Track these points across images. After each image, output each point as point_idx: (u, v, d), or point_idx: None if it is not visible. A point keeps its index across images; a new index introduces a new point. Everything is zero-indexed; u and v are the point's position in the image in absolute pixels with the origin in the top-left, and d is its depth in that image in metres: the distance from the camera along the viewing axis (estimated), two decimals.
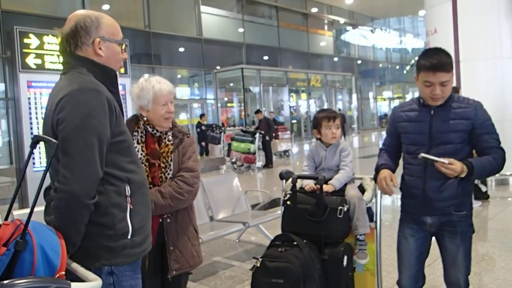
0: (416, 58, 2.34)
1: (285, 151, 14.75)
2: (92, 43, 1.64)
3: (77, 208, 1.47)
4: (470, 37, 7.17)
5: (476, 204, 5.57)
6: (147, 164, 2.28)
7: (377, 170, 2.38)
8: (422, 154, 2.13)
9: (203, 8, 19.58)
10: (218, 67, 19.62)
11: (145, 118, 2.32)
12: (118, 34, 1.72)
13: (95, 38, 1.64)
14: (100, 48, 1.65)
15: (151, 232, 1.76)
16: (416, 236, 2.34)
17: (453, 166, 2.07)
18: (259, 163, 12.02)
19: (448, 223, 2.26)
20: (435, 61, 2.11)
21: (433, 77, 2.11)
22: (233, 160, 12.03)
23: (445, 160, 2.08)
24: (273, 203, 5.85)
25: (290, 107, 22.45)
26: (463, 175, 2.10)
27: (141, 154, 2.27)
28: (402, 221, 2.42)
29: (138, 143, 2.29)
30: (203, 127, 14.69)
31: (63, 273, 1.37)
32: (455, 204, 2.22)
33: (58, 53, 5.36)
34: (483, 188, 6.15)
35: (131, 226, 1.60)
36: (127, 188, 1.61)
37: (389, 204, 6.07)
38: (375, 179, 2.61)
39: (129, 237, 1.60)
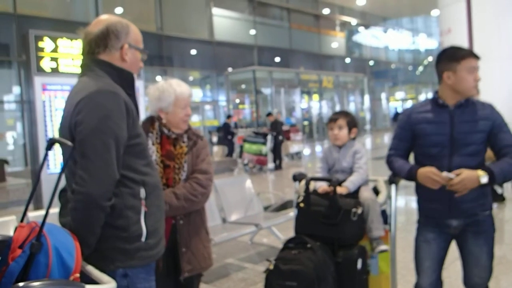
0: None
1: (297, 153, 14.70)
2: (120, 48, 1.67)
3: (94, 210, 1.48)
4: (485, 36, 7.08)
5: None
6: (161, 165, 2.29)
7: (411, 172, 2.24)
8: (445, 174, 2.10)
9: (215, 10, 19.65)
10: (230, 69, 19.66)
11: (162, 120, 2.33)
12: (141, 43, 1.76)
13: (123, 43, 1.67)
14: (126, 54, 1.68)
15: (164, 234, 1.77)
16: (438, 240, 2.31)
17: (460, 181, 2.05)
18: (271, 164, 12.00)
19: (472, 224, 2.23)
20: (469, 49, 2.19)
21: (475, 62, 2.17)
22: (245, 162, 12.04)
23: (452, 175, 2.07)
24: (285, 205, 5.84)
25: (301, 108, 22.38)
26: (483, 181, 2.07)
27: (156, 155, 2.28)
28: (422, 226, 2.37)
29: (153, 144, 2.30)
30: (230, 129, 14.63)
31: (78, 275, 1.38)
32: (481, 204, 2.21)
33: (73, 56, 5.46)
34: (499, 190, 6.05)
35: (146, 229, 1.61)
36: (142, 190, 1.62)
37: (403, 207, 6.00)
38: (390, 181, 2.59)
39: (143, 239, 1.61)
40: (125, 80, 1.68)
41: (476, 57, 2.18)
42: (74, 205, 1.51)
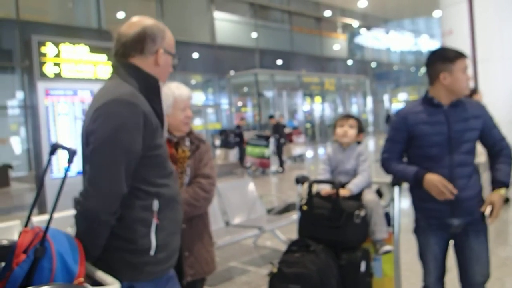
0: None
1: (299, 156, 14.69)
2: (155, 52, 1.62)
3: (94, 223, 1.45)
4: (487, 37, 7.07)
5: None
6: None
7: (417, 176, 2.24)
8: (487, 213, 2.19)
9: (216, 14, 19.70)
10: (232, 72, 19.69)
11: None
12: (174, 49, 1.70)
13: (159, 48, 1.62)
14: (160, 59, 1.63)
15: (178, 248, 1.70)
16: (440, 242, 2.32)
17: (495, 208, 2.19)
18: (274, 167, 12.00)
19: (472, 222, 2.25)
20: (458, 50, 2.25)
21: (466, 62, 2.24)
22: (248, 165, 12.03)
23: (487, 212, 2.18)
24: (288, 208, 5.83)
25: (304, 111, 22.38)
26: (506, 195, 2.22)
27: None
28: (424, 229, 2.36)
29: None
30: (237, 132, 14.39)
31: (82, 279, 1.38)
32: (479, 201, 2.25)
33: (75, 61, 5.48)
34: None
35: (155, 242, 1.54)
36: (156, 203, 1.55)
37: (406, 209, 5.98)
38: (394, 184, 2.59)
39: (152, 253, 1.54)
40: (151, 87, 1.62)
41: (466, 57, 2.26)
42: (76, 216, 1.50)
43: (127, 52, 1.60)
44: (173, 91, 2.30)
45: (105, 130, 1.45)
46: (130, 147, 1.47)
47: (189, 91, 2.37)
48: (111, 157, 1.44)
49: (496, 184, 2.22)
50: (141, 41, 1.58)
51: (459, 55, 2.22)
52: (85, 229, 1.48)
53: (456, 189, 2.16)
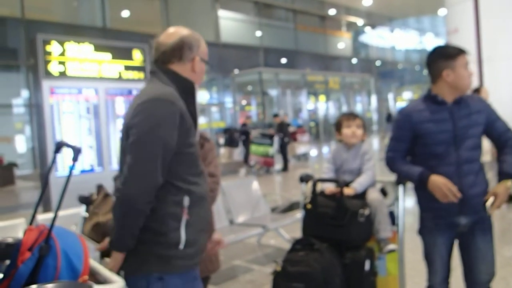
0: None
1: (304, 154, 14.67)
2: (192, 60, 1.76)
3: (130, 210, 1.54)
4: (493, 36, 7.03)
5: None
6: None
7: (422, 177, 2.24)
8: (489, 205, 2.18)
9: (221, 13, 19.70)
10: (236, 71, 19.69)
11: None
12: (207, 57, 1.85)
13: (195, 56, 1.77)
14: (196, 65, 1.78)
15: (205, 245, 1.77)
16: (447, 242, 2.31)
17: (498, 199, 2.17)
18: (278, 166, 11.99)
19: (479, 221, 2.24)
20: (458, 46, 2.25)
21: (467, 58, 2.24)
22: (252, 163, 12.03)
23: (489, 202, 2.17)
24: (292, 206, 5.83)
25: (308, 110, 22.35)
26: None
27: None
28: (430, 230, 2.34)
29: None
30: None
31: (86, 277, 1.39)
32: (483, 197, 2.24)
33: (80, 59, 5.50)
34: None
35: (185, 237, 1.62)
36: (186, 199, 1.63)
37: (410, 207, 5.97)
38: (398, 182, 2.58)
39: (181, 247, 1.61)
40: (187, 90, 1.74)
41: (467, 53, 2.27)
42: (114, 203, 1.59)
43: (167, 59, 1.75)
44: None
45: (145, 125, 1.57)
46: (167, 142, 1.57)
47: (198, 93, 2.37)
48: (149, 150, 1.55)
49: (502, 175, 2.21)
50: (180, 49, 1.74)
51: (460, 52, 2.23)
52: (122, 216, 1.56)
53: (459, 193, 2.15)
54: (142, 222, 1.56)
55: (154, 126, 1.56)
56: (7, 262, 1.38)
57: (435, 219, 2.31)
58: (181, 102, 1.66)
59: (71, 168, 1.46)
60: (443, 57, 2.23)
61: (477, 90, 5.48)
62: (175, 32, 1.76)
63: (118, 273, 1.56)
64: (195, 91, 1.77)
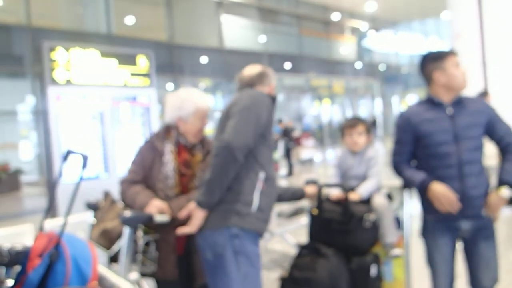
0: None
1: (308, 159, 14.63)
2: (268, 85, 2.29)
3: (229, 156, 1.87)
4: (497, 39, 7.03)
5: (506, 211, 5.41)
6: (178, 174, 2.30)
7: (423, 185, 2.25)
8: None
9: (225, 18, 19.78)
10: None
11: (180, 129, 2.35)
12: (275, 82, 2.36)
13: (270, 82, 2.31)
14: (272, 90, 2.30)
15: (269, 221, 2.06)
16: (449, 243, 2.31)
17: (491, 210, 2.19)
18: (283, 171, 11.98)
19: (482, 227, 2.24)
20: (444, 49, 2.31)
21: (457, 57, 2.26)
22: None
23: (484, 211, 2.19)
24: (298, 211, 5.81)
25: (312, 115, 22.34)
26: (506, 196, 2.18)
27: (174, 164, 2.29)
28: (432, 231, 2.35)
29: (171, 152, 2.31)
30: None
31: (96, 282, 1.40)
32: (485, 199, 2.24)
33: (86, 66, 5.53)
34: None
35: (258, 203, 1.96)
36: (262, 173, 2.00)
37: (416, 212, 5.94)
38: (403, 187, 2.58)
39: (253, 208, 1.95)
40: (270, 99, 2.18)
41: (455, 54, 2.30)
42: (215, 152, 1.91)
43: (253, 82, 2.26)
44: (195, 100, 2.32)
45: (246, 102, 2.01)
46: (260, 118, 1.99)
47: (209, 101, 2.40)
48: (247, 117, 1.95)
49: (498, 182, 2.21)
50: (261, 76, 2.29)
51: (448, 52, 2.27)
52: (219, 164, 1.88)
53: (459, 203, 2.16)
54: (234, 173, 1.90)
55: (252, 104, 2.00)
56: (17, 268, 1.40)
57: (437, 223, 2.32)
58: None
59: (81, 175, 1.48)
60: (431, 60, 2.27)
61: (483, 94, 5.47)
62: (256, 67, 2.32)
63: (200, 230, 1.94)
64: (275, 101, 2.18)
